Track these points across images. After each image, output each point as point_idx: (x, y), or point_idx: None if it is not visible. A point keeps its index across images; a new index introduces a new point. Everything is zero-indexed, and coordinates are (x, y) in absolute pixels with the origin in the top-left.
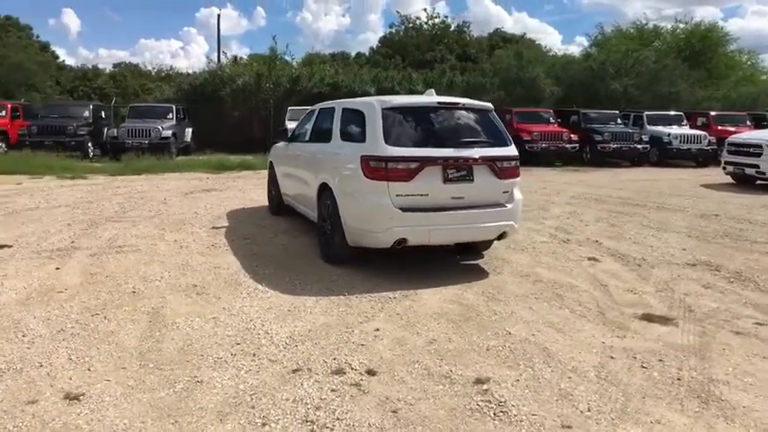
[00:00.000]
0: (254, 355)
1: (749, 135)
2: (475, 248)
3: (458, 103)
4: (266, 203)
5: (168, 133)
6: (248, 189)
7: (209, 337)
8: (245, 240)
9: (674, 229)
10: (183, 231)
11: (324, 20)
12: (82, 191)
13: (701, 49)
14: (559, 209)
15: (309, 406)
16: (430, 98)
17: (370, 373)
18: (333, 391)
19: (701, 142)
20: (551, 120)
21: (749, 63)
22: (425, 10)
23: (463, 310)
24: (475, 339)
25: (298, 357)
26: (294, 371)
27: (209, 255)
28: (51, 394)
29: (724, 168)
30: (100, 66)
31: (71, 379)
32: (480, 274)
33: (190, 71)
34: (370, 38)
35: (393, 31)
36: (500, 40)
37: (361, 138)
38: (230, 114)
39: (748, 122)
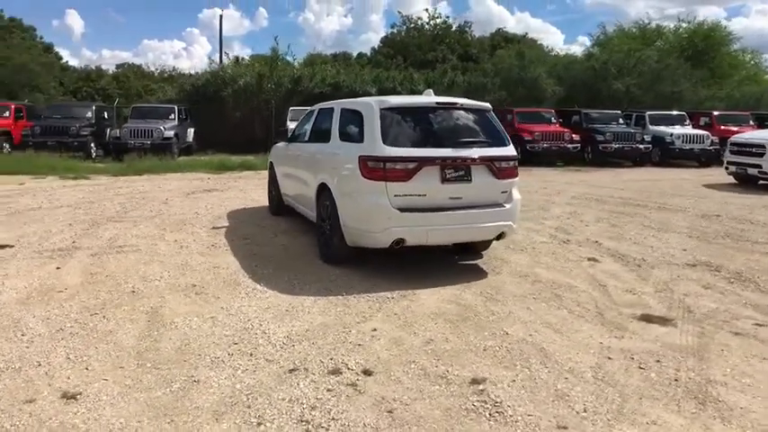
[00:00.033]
0: (251, 354)
1: (752, 135)
2: (474, 249)
3: (456, 104)
4: (267, 204)
5: (170, 134)
6: (249, 189)
7: (206, 336)
8: (245, 240)
9: (675, 230)
10: (184, 231)
11: (326, 20)
12: (84, 191)
13: (704, 49)
14: (560, 209)
15: (305, 406)
16: (428, 98)
17: (367, 373)
18: (329, 390)
19: (703, 142)
20: (553, 120)
21: (753, 62)
22: (427, 10)
23: (461, 310)
24: (472, 339)
25: (294, 357)
26: (291, 371)
27: (208, 255)
28: (49, 393)
29: (726, 168)
30: (103, 67)
31: (69, 378)
32: (479, 274)
33: (192, 72)
34: (372, 38)
35: (395, 31)
36: (502, 39)
37: (359, 138)
38: (232, 115)
39: (751, 122)
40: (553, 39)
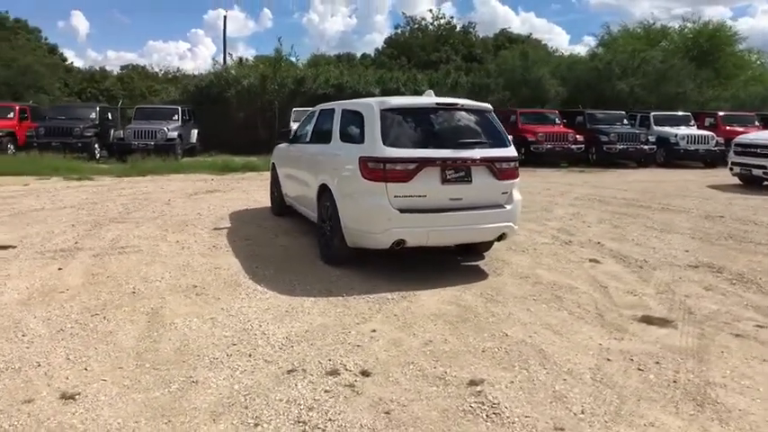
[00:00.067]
0: (249, 355)
1: (756, 135)
2: (475, 250)
3: (456, 104)
4: (269, 205)
5: (174, 135)
6: (252, 190)
7: (206, 337)
8: (247, 241)
9: (678, 231)
10: (186, 232)
11: (330, 21)
12: (87, 192)
13: (709, 49)
14: (563, 210)
15: (302, 407)
16: (429, 99)
17: (365, 374)
18: (326, 391)
19: (708, 143)
20: (557, 120)
21: (758, 63)
22: (431, 11)
23: (461, 311)
24: (471, 341)
25: (293, 358)
26: (289, 371)
27: (210, 256)
28: (48, 394)
29: (731, 169)
30: (108, 68)
31: (68, 378)
32: (480, 275)
33: (196, 73)
34: (377, 39)
35: (398, 32)
36: (506, 40)
37: (359, 139)
38: (235, 116)
39: (757, 123)
40: (558, 39)
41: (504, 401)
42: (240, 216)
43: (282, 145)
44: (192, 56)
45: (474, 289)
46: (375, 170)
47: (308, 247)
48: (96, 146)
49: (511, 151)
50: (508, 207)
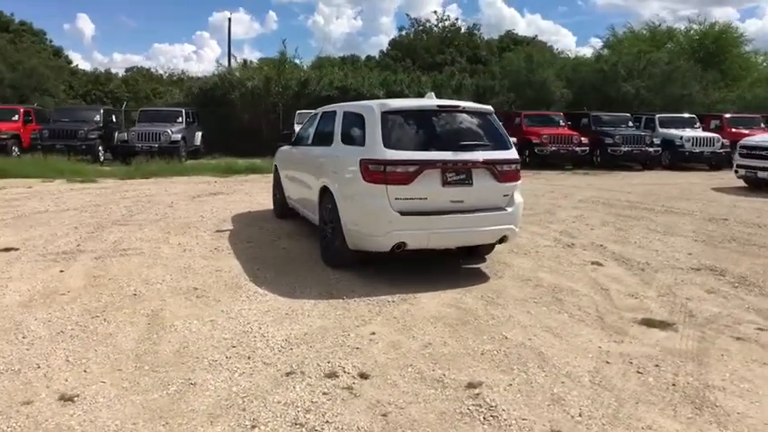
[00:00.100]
0: (248, 357)
1: (762, 138)
2: (477, 252)
3: (458, 106)
4: (272, 207)
5: (178, 137)
6: (255, 193)
7: (205, 339)
8: (249, 244)
9: (681, 233)
10: (188, 235)
11: (336, 23)
12: (91, 194)
13: (715, 51)
14: (566, 213)
15: (300, 409)
16: (430, 101)
17: (363, 376)
18: (324, 394)
19: (713, 145)
20: (561, 123)
21: (765, 65)
22: (435, 12)
23: (461, 314)
24: (470, 343)
25: (292, 360)
26: (287, 374)
27: (211, 258)
28: (46, 395)
29: (736, 172)
30: (114, 70)
31: (67, 380)
32: (481, 277)
33: (200, 75)
34: (383, 41)
35: (403, 34)
36: (511, 42)
37: (360, 141)
38: (240, 118)
39: (762, 125)
40: (565, 41)
41: (502, 404)
42: (242, 218)
43: (285, 147)
44: (198, 58)
45: (475, 292)
46: (376, 172)
47: (310, 250)
48: (100, 148)
49: (512, 153)
50: (509, 209)
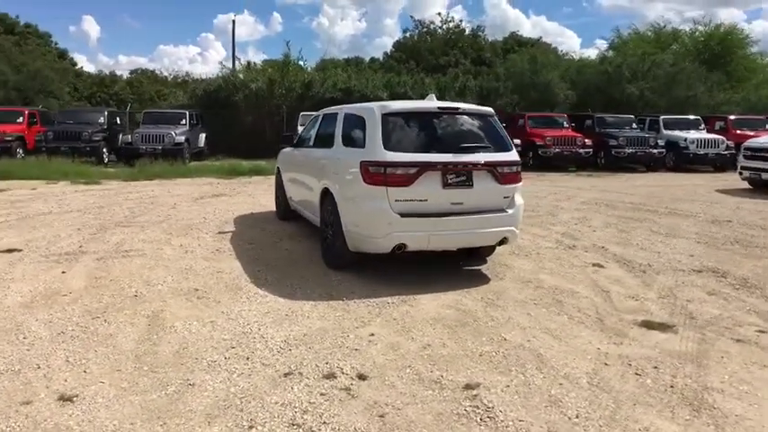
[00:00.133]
0: (247, 358)
1: (766, 139)
2: (478, 254)
3: (458, 108)
4: (274, 209)
5: (181, 139)
6: (258, 194)
7: (205, 340)
8: (250, 245)
9: (684, 235)
10: (190, 236)
11: (340, 25)
12: (94, 196)
13: (721, 52)
14: (568, 214)
15: (297, 409)
16: (430, 103)
17: (361, 377)
18: (322, 395)
19: (718, 147)
20: (565, 124)
21: None
22: (439, 14)
23: (460, 315)
24: (469, 345)
25: (291, 361)
26: (286, 374)
27: (213, 259)
28: (46, 395)
29: (740, 173)
30: (119, 72)
31: (66, 381)
32: (481, 279)
33: (204, 77)
34: (387, 42)
35: (407, 35)
36: (515, 43)
37: (361, 143)
38: (243, 120)
39: (767, 126)
40: (570, 42)
41: (499, 405)
42: (245, 220)
43: (287, 149)
44: (203, 60)
45: (475, 293)
46: (376, 174)
47: (312, 251)
48: (104, 150)
49: (513, 155)
50: (510, 211)
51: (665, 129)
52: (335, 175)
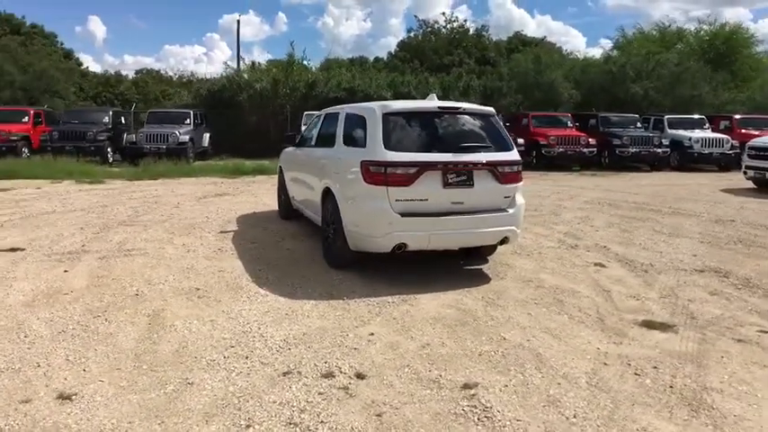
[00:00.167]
0: (246, 357)
1: None
2: (479, 253)
3: (459, 108)
4: (277, 208)
5: (186, 138)
6: (261, 194)
7: (204, 339)
8: (252, 244)
9: (687, 235)
10: (192, 235)
11: (345, 24)
12: (98, 195)
13: (726, 51)
14: (571, 214)
15: (295, 408)
16: (431, 103)
17: (360, 376)
18: (320, 394)
19: (723, 146)
20: (569, 124)
21: None
22: (444, 14)
23: (460, 315)
24: (468, 344)
25: (289, 360)
26: (284, 374)
27: (214, 258)
28: (45, 394)
29: (745, 173)
30: (124, 72)
31: (66, 379)
32: (482, 279)
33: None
34: (392, 42)
35: (411, 35)
36: (519, 43)
37: (362, 143)
38: (248, 119)
39: None
40: (575, 42)
41: (497, 405)
42: (247, 219)
43: (289, 149)
44: (208, 60)
45: (475, 293)
46: (376, 174)
47: (313, 251)
48: (109, 149)
49: (514, 155)
50: (511, 211)
51: (670, 128)
52: (336, 175)
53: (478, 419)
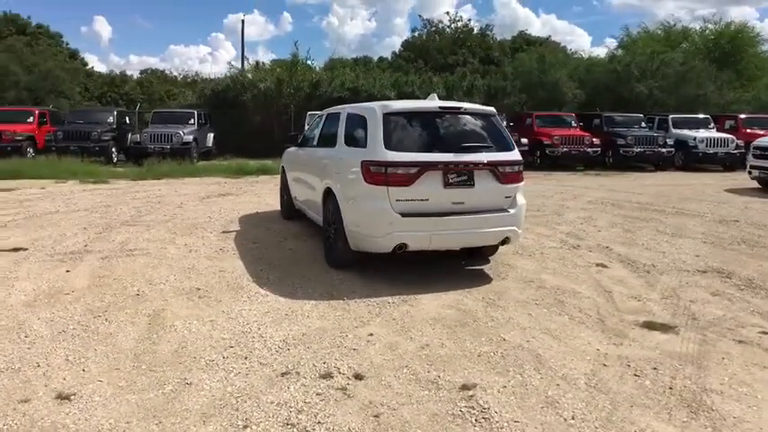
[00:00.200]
0: (245, 358)
1: None
2: (480, 254)
3: (460, 108)
4: (279, 208)
5: (189, 138)
6: (264, 194)
7: (204, 339)
8: (254, 244)
9: (690, 235)
10: (194, 235)
11: (350, 24)
12: (102, 195)
13: (731, 50)
14: (574, 214)
15: (292, 409)
16: (432, 103)
17: (358, 377)
18: (318, 394)
19: (728, 146)
20: (573, 123)
21: None
22: (448, 13)
23: (460, 315)
24: (468, 345)
25: (288, 361)
26: (283, 374)
27: (216, 258)
28: (44, 394)
29: (749, 173)
30: (129, 72)
31: (65, 379)
32: (483, 279)
33: (213, 76)
34: (397, 42)
35: (416, 35)
36: (524, 42)
37: (362, 143)
38: (251, 119)
39: None
40: (580, 41)
41: (495, 406)
42: (250, 219)
43: (291, 149)
44: (213, 60)
45: (476, 293)
46: (377, 174)
47: (315, 251)
48: (113, 150)
49: (514, 155)
50: (512, 211)
51: (675, 128)
52: (337, 175)
53: (476, 420)
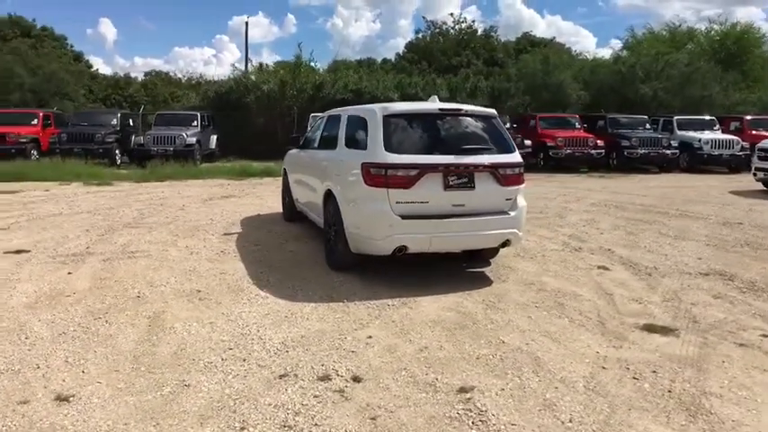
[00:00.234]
0: (244, 360)
1: None
2: (481, 256)
3: (460, 110)
4: (281, 210)
5: (193, 140)
6: (266, 196)
7: (203, 341)
8: (256, 246)
9: (693, 238)
10: (196, 237)
11: (354, 26)
12: (105, 197)
13: (737, 51)
14: (577, 216)
15: (290, 411)
16: (432, 105)
17: (356, 379)
18: (315, 397)
19: (733, 147)
20: (577, 125)
21: None
22: (452, 15)
23: (460, 318)
24: (467, 348)
25: (287, 363)
26: (281, 376)
27: (217, 261)
28: (43, 395)
29: (754, 175)
30: (134, 74)
31: (64, 381)
32: (484, 281)
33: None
34: (400, 43)
35: (419, 36)
36: (528, 44)
37: (363, 145)
38: (255, 121)
39: None
40: (585, 42)
41: (492, 409)
42: (252, 221)
43: (293, 151)
44: (218, 62)
45: (476, 296)
46: (377, 176)
47: (316, 253)
48: (117, 152)
49: (515, 157)
50: (512, 213)
51: (679, 129)
52: (338, 177)
53: (473, 423)
